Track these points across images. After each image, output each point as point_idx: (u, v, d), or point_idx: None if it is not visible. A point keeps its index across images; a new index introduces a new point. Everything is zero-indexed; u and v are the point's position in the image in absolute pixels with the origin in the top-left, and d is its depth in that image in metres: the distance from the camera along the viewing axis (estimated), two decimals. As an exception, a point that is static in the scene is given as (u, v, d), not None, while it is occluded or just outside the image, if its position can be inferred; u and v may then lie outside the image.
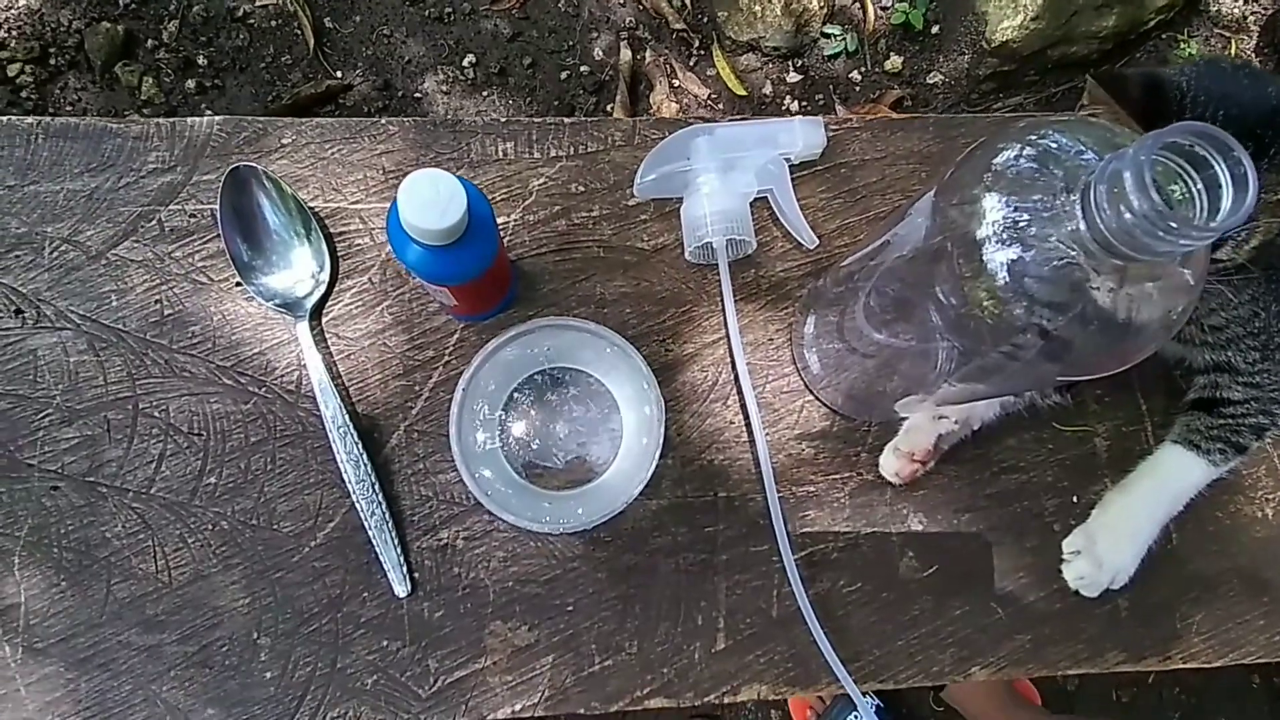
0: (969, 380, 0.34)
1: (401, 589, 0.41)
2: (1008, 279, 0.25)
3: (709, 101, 1.34)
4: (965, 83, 1.34)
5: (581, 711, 0.41)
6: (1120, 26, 1.26)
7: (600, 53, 1.33)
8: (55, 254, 0.43)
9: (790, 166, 0.47)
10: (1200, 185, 0.22)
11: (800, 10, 1.29)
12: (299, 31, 1.27)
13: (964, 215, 0.26)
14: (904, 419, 0.44)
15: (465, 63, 1.30)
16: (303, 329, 0.42)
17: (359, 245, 0.45)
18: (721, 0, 1.32)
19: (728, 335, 0.45)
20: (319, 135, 0.45)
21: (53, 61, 1.17)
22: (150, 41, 1.21)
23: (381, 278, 0.44)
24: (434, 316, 0.44)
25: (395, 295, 0.44)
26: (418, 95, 1.30)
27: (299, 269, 0.42)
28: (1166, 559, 0.45)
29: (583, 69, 1.32)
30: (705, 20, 1.36)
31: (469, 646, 0.41)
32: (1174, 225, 0.21)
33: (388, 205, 0.45)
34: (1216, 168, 0.21)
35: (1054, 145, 0.25)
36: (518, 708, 0.41)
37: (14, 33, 1.16)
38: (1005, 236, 0.25)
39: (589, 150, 0.47)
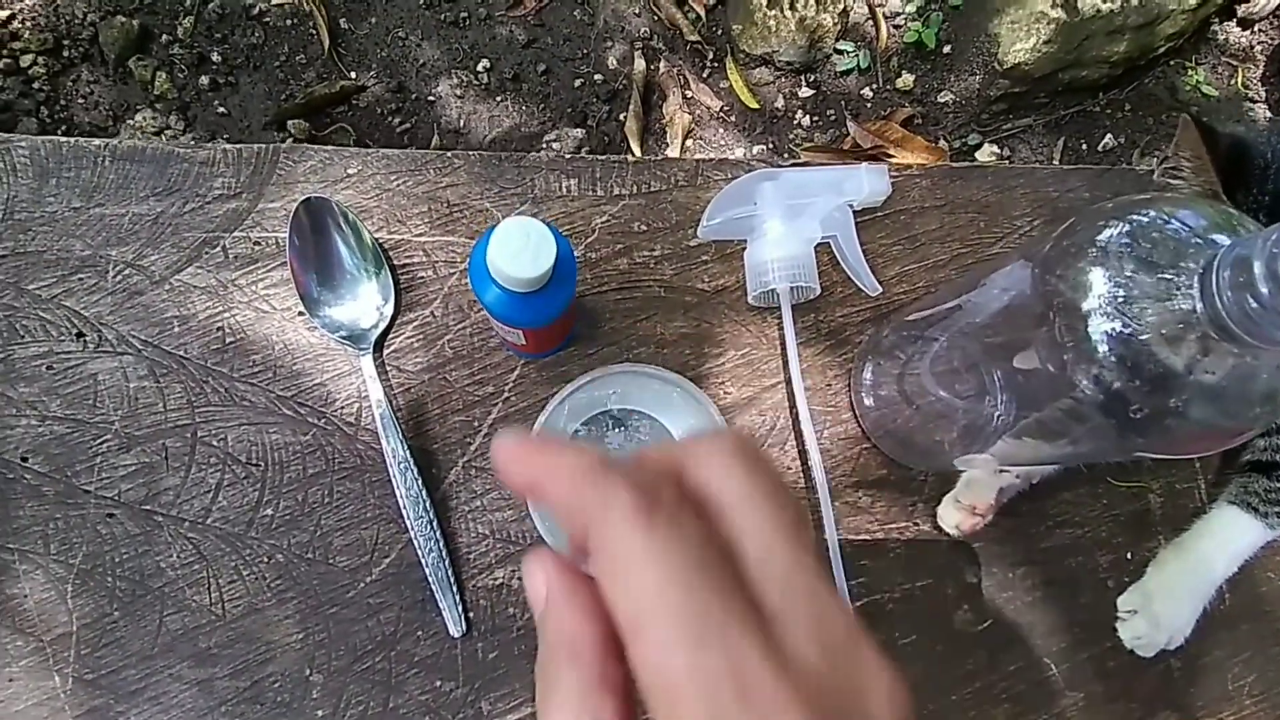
0: (1036, 438, 0.37)
1: (456, 629, 0.43)
2: (1109, 351, 0.27)
3: (721, 114, 1.38)
4: (976, 103, 1.38)
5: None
6: (1131, 52, 1.30)
7: (614, 62, 1.37)
8: (119, 278, 0.45)
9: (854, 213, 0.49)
10: None
11: (814, 26, 1.33)
12: (314, 31, 1.29)
13: (1068, 287, 0.28)
14: (962, 471, 0.46)
15: (480, 68, 1.33)
16: (366, 362, 0.44)
17: (422, 278, 0.47)
18: (736, 13, 1.36)
19: (788, 380, 0.47)
20: (384, 166, 0.48)
21: (66, 54, 1.19)
22: (165, 36, 1.23)
23: (444, 311, 0.46)
24: (495, 352, 0.46)
25: (456, 329, 0.46)
26: (431, 99, 1.32)
27: (365, 302, 0.44)
28: (1219, 619, 0.47)
29: (597, 77, 1.35)
30: (720, 33, 1.39)
31: (523, 689, 0.43)
32: None
33: (450, 239, 0.47)
34: None
35: (1155, 221, 0.28)
36: (569, 752, 0.43)
37: (28, 23, 1.18)
38: (1110, 310, 0.27)
39: (652, 189, 0.49)
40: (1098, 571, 0.47)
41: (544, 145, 1.32)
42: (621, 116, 1.35)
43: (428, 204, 0.48)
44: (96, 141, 0.46)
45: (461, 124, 1.32)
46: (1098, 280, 0.27)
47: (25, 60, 1.18)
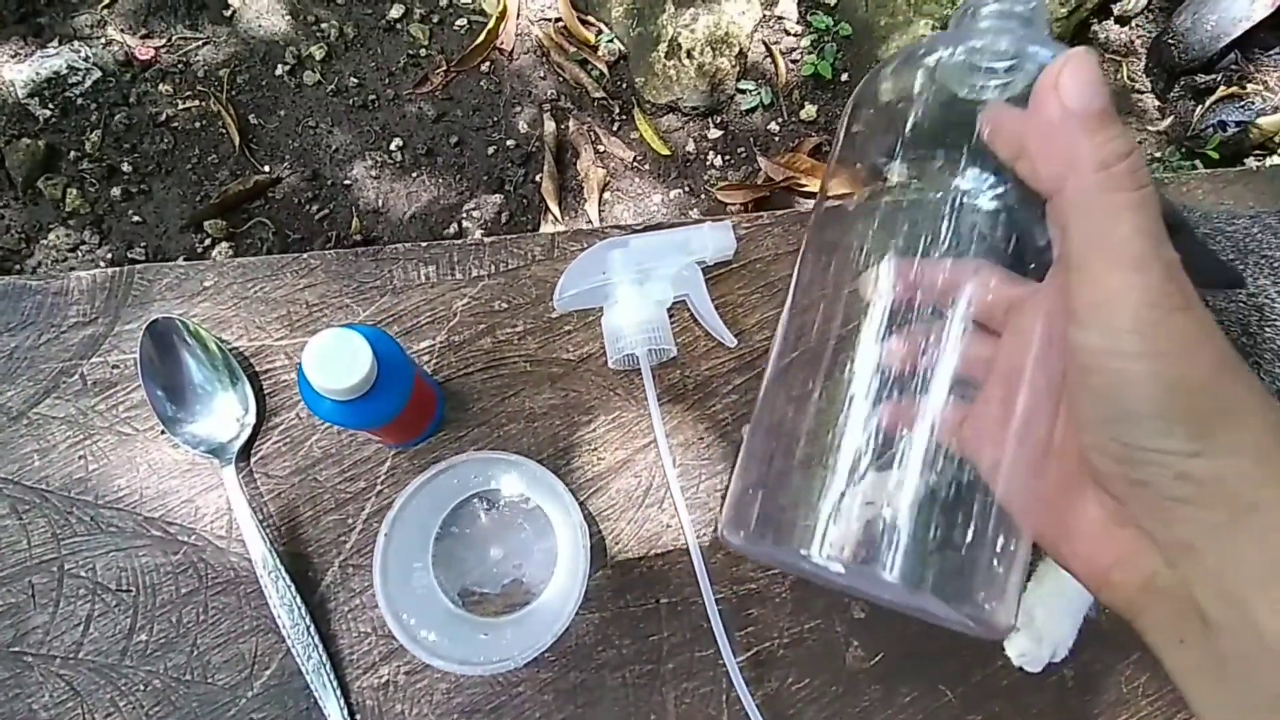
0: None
1: (343, 733, 0.42)
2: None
3: (635, 163, 1.41)
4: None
5: (538, 843, 0.43)
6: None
7: (525, 125, 1.41)
8: (-27, 419, 0.45)
9: (705, 268, 0.51)
10: None
11: (713, 70, 1.38)
12: (224, 130, 1.31)
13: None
14: None
15: (393, 146, 1.36)
16: (228, 473, 0.44)
17: (285, 381, 0.47)
18: (638, 67, 1.41)
19: (655, 439, 0.48)
20: (241, 275, 0.49)
21: (-30, 181, 1.19)
22: (73, 153, 1.25)
23: (308, 413, 0.47)
24: (364, 446, 0.47)
25: (324, 429, 0.47)
26: (347, 183, 1.35)
27: (223, 415, 0.45)
28: (1105, 625, 0.48)
29: (509, 143, 1.39)
30: (624, 86, 1.44)
31: (416, 787, 0.42)
32: None
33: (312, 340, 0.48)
34: None
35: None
36: (471, 846, 0.42)
37: (-71, 155, 1.19)
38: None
39: (510, 267, 0.51)
40: (982, 590, 0.48)
41: (464, 214, 1.34)
42: (537, 178, 1.38)
43: (287, 308, 0.49)
44: (-55, 286, 0.46)
45: (380, 203, 1.34)
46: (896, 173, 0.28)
47: (-69, 191, 1.18)
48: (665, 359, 0.49)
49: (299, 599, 0.43)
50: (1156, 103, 1.52)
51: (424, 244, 0.51)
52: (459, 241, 0.51)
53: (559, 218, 1.37)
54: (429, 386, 0.45)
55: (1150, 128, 1.50)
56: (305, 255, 0.50)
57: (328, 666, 0.43)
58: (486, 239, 0.51)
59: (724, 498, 0.46)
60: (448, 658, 0.38)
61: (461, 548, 0.44)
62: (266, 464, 0.46)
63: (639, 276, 0.49)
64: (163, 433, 0.45)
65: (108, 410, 0.46)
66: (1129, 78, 1.53)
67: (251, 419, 0.45)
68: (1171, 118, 1.49)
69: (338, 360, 0.34)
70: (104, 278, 0.48)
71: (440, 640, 0.39)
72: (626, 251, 0.49)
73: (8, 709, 0.41)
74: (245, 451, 0.46)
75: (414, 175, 1.35)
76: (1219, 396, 0.21)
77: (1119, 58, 1.55)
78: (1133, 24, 1.56)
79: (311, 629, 0.43)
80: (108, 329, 0.47)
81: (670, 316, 0.49)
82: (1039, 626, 0.46)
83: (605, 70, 1.42)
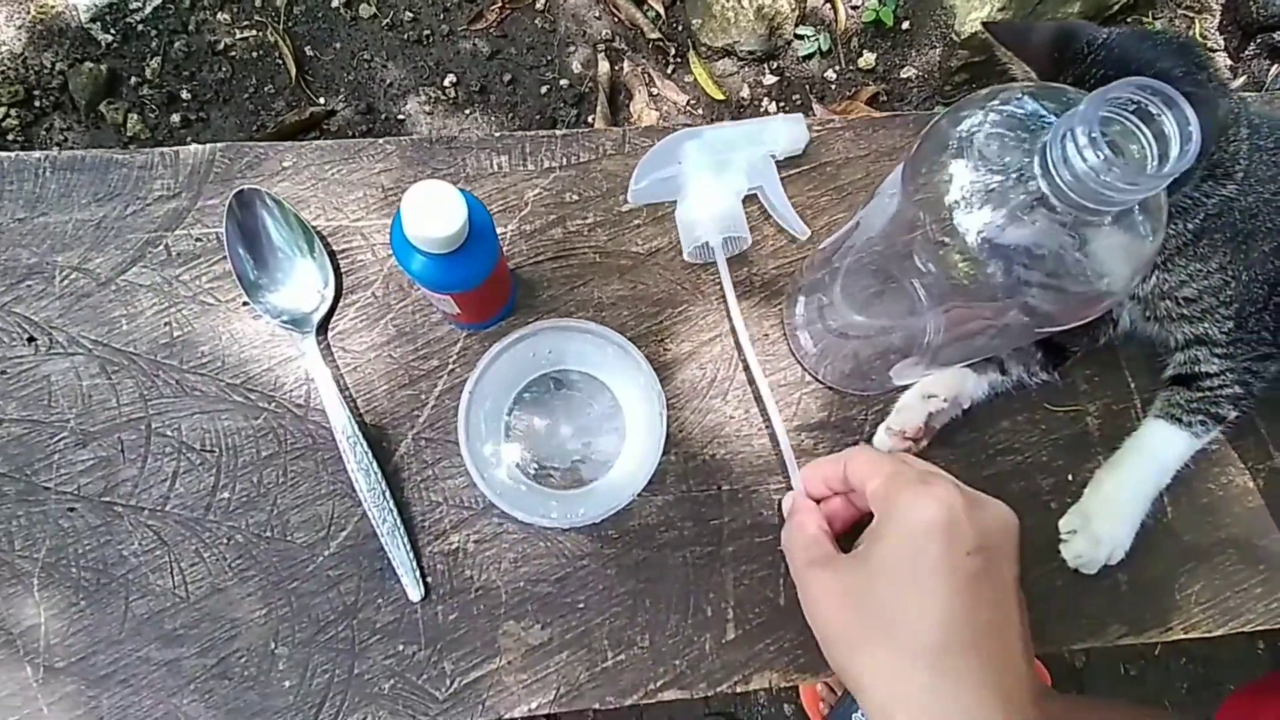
0: (957, 344, 0.38)
1: (415, 593, 0.43)
2: (978, 241, 0.28)
3: (688, 107, 1.39)
4: (938, 75, 1.39)
5: (597, 707, 0.43)
6: (1086, 11, 1.31)
7: (579, 66, 1.38)
8: (66, 282, 0.45)
9: (777, 164, 0.50)
10: (1150, 138, 0.25)
11: (773, 14, 1.34)
12: (280, 61, 1.31)
13: (934, 183, 0.29)
14: (899, 390, 0.47)
15: (446, 83, 1.35)
16: (309, 344, 0.44)
17: (361, 261, 0.47)
18: (695, 8, 1.37)
19: (732, 328, 0.48)
20: (318, 157, 0.48)
21: (37, 103, 1.20)
22: (133, 79, 1.25)
23: (384, 291, 0.47)
24: (437, 327, 0.47)
25: (398, 308, 0.47)
26: (401, 117, 1.34)
27: (304, 285, 0.45)
28: (1162, 532, 0.47)
29: (562, 83, 1.37)
30: (680, 28, 1.41)
31: (483, 647, 0.43)
32: (1121, 172, 0.23)
33: (387, 222, 0.48)
34: (1163, 119, 0.24)
35: (1017, 109, 0.28)
36: (533, 705, 0.43)
37: (-3, 75, 1.20)
38: (975, 200, 0.28)
39: (581, 160, 0.50)
40: (1040, 495, 0.48)
41: (449, 138, 1.33)
42: (589, 119, 1.36)
43: (363, 190, 0.48)
44: (37, 154, 0.47)
45: (433, 139, 1.33)
46: (960, 172, 0.28)
47: (-1, 112, 1.19)
48: (741, 249, 0.49)
49: (376, 465, 0.43)
50: (1229, 61, 1.45)
51: (497, 134, 0.50)
52: (531, 133, 0.50)
53: (568, 132, 1.36)
54: (506, 266, 0.44)
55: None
56: (381, 140, 0.49)
57: (401, 531, 0.43)
58: (559, 132, 0.51)
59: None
60: (528, 511, 0.38)
61: (531, 424, 0.45)
62: (344, 339, 0.46)
63: (713, 166, 0.48)
64: (244, 304, 0.46)
65: (191, 280, 0.46)
66: (1201, 34, 1.46)
67: (330, 292, 0.46)
68: (1244, 77, 1.42)
69: (435, 209, 0.34)
70: (187, 154, 0.48)
71: (518, 497, 0.39)
72: (700, 142, 0.48)
73: (100, 553, 0.43)
74: (323, 326, 0.46)
75: (467, 112, 1.34)
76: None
77: (1192, 14, 1.47)
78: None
79: (387, 494, 0.43)
80: (191, 203, 0.47)
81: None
82: (1096, 530, 0.45)
83: (661, 11, 1.39)
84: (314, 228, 0.47)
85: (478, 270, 0.38)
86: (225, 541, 0.43)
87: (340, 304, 0.47)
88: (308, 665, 0.42)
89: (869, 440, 0.47)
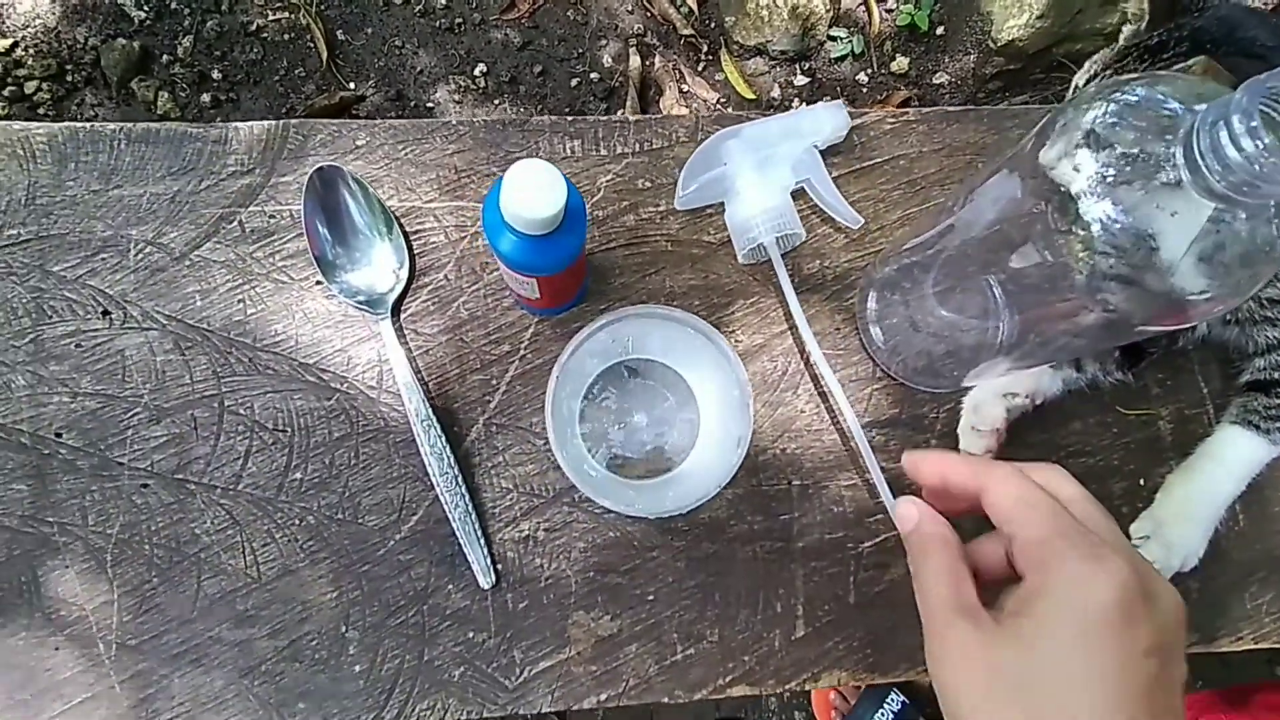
0: (1034, 345, 0.38)
1: (486, 581, 0.43)
2: (1103, 230, 0.28)
3: (718, 105, 1.38)
4: (972, 82, 1.38)
5: (665, 700, 0.43)
6: (1124, 22, 1.30)
7: (609, 59, 1.38)
8: (140, 256, 0.45)
9: (842, 159, 0.50)
10: None
11: (806, 14, 1.33)
12: (312, 44, 1.31)
13: (1059, 172, 0.29)
14: (969, 389, 0.47)
15: (476, 72, 1.34)
16: (385, 325, 0.44)
17: (434, 243, 0.47)
18: (729, 6, 1.37)
19: (791, 325, 0.47)
20: (392, 136, 0.48)
21: (69, 78, 1.20)
22: (165, 57, 1.25)
23: (457, 274, 0.47)
24: (509, 311, 0.47)
25: (471, 291, 0.47)
26: (430, 105, 1.34)
27: (381, 266, 0.45)
28: (1233, 540, 0.47)
29: (593, 76, 1.36)
30: (712, 25, 1.40)
31: (553, 637, 0.43)
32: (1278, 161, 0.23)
33: (460, 204, 0.48)
34: None
35: (1144, 99, 0.28)
36: (603, 697, 0.43)
37: (31, 50, 1.20)
38: (1100, 190, 0.28)
39: (654, 147, 0.50)
40: (1113, 499, 0.48)
41: (522, 120, 1.33)
42: (620, 113, 1.36)
43: (436, 171, 0.48)
44: (112, 126, 0.46)
45: (517, 120, 1.33)
46: (1086, 162, 0.28)
47: (29, 87, 1.19)
48: (795, 245, 0.48)
49: (449, 450, 0.43)
50: None
51: (570, 118, 0.50)
52: (605, 118, 0.50)
53: (641, 118, 1.35)
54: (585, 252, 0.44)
55: None
56: (454, 122, 0.49)
57: (473, 516, 0.43)
58: (632, 117, 0.50)
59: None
60: (614, 499, 0.38)
61: (607, 412, 0.44)
62: (416, 321, 0.46)
63: (758, 164, 0.48)
64: (318, 283, 0.46)
65: (265, 258, 0.46)
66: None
67: (405, 273, 0.45)
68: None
69: (537, 189, 0.34)
70: (261, 130, 0.48)
71: (599, 484, 0.39)
72: (741, 140, 0.48)
73: (173, 531, 0.43)
74: (396, 308, 0.46)
75: (496, 102, 1.34)
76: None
77: None
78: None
79: (459, 479, 0.43)
80: (264, 179, 0.47)
81: (798, 203, 0.48)
82: (1169, 536, 0.45)
83: (695, 7, 1.39)
84: (390, 210, 0.47)
85: (568, 253, 0.38)
86: (297, 523, 0.43)
87: (412, 286, 0.46)
88: (378, 650, 0.42)
89: (947, 446, 0.47)
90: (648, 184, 0.49)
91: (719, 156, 0.48)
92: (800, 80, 1.40)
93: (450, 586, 0.43)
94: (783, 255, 0.47)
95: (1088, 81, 0.49)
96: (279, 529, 0.43)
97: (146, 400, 0.44)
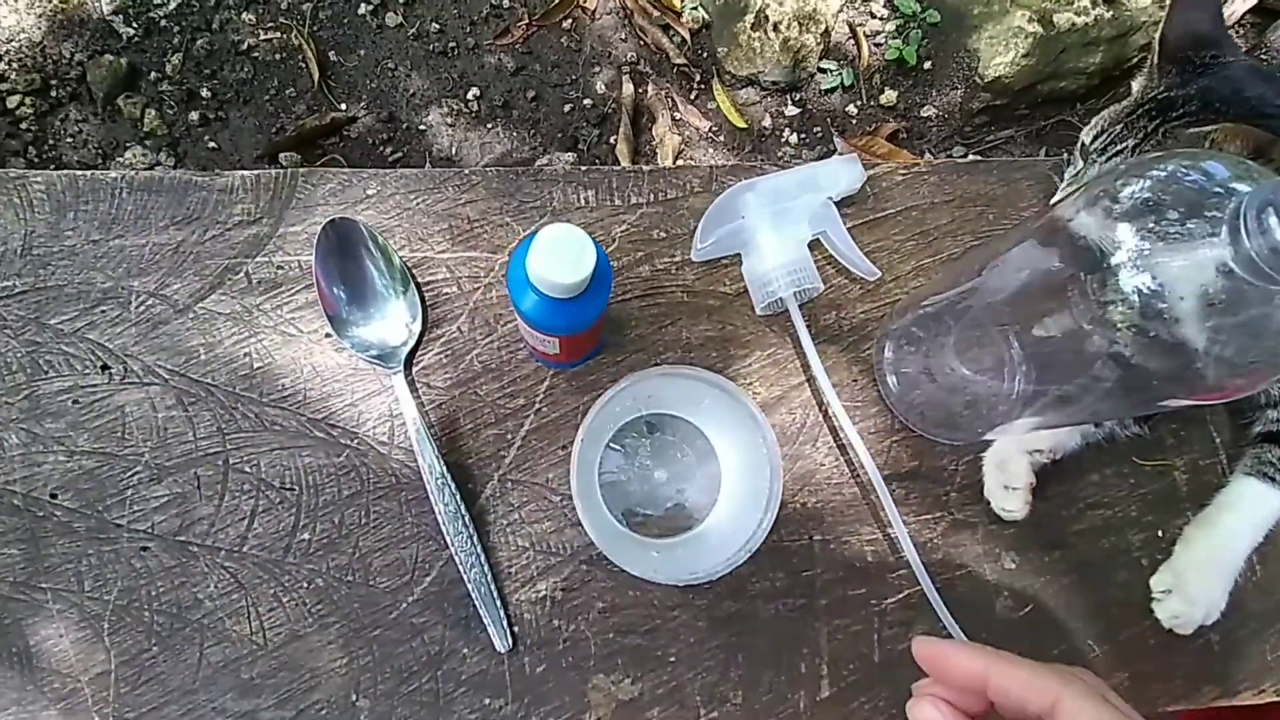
0: (1054, 401, 0.38)
1: (503, 644, 0.42)
2: (1140, 303, 0.28)
3: (710, 134, 1.39)
4: (958, 116, 1.40)
5: (686, 765, 0.42)
6: (1106, 63, 1.34)
7: (602, 86, 1.38)
8: (142, 308, 0.44)
9: (849, 206, 0.50)
10: None
11: (798, 46, 1.35)
12: (303, 65, 1.29)
13: (1097, 240, 0.29)
14: (988, 443, 0.46)
15: (469, 96, 1.34)
16: (399, 380, 0.43)
17: (446, 295, 0.46)
18: (722, 36, 1.38)
19: (810, 379, 0.47)
20: (403, 186, 0.47)
21: (54, 93, 1.18)
22: (153, 74, 1.23)
23: (470, 326, 0.46)
24: (524, 364, 0.46)
25: (484, 344, 0.46)
26: (422, 128, 1.33)
27: (394, 320, 0.44)
28: (1252, 591, 0.47)
29: (585, 102, 1.37)
30: (705, 56, 1.41)
31: (573, 702, 0.42)
32: None
33: (473, 254, 0.47)
34: None
35: (1185, 177, 0.28)
36: (622, 764, 0.42)
37: (14, 64, 1.17)
38: (1140, 263, 0.28)
39: (669, 197, 0.50)
40: (1130, 550, 0.48)
41: (535, 170, 1.32)
42: (612, 139, 1.36)
43: (448, 221, 0.47)
44: (113, 174, 0.45)
45: (453, 151, 1.32)
46: (1125, 235, 0.28)
47: (12, 101, 1.16)
48: (811, 297, 0.48)
49: (464, 508, 0.42)
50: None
51: (584, 168, 0.50)
52: (618, 168, 0.50)
53: (655, 168, 1.35)
54: (602, 306, 0.44)
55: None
56: (466, 171, 0.49)
57: (489, 576, 0.42)
58: (645, 167, 0.50)
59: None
60: (632, 565, 0.37)
61: (625, 469, 0.44)
62: (428, 375, 0.45)
63: (776, 218, 0.47)
64: (327, 335, 0.45)
65: (273, 310, 0.45)
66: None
67: (418, 327, 0.45)
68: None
69: (566, 254, 0.33)
70: (267, 178, 0.47)
71: (618, 546, 0.38)
72: (758, 193, 0.48)
73: (174, 596, 0.41)
74: (409, 361, 0.45)
75: (489, 126, 1.33)
76: None
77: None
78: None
79: (474, 538, 0.42)
80: (271, 230, 0.46)
81: (813, 253, 0.48)
82: (1192, 590, 0.45)
83: (687, 37, 1.39)
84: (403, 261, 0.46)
85: (591, 315, 0.37)
86: (305, 585, 0.42)
87: (424, 339, 0.46)
88: (390, 719, 0.41)
89: (966, 499, 0.46)
90: (662, 234, 0.49)
91: (736, 209, 0.48)
92: (791, 110, 1.41)
93: (466, 650, 0.42)
94: (800, 307, 0.47)
95: (1094, 138, 0.49)
96: (286, 592, 0.42)
97: (147, 458, 0.42)
